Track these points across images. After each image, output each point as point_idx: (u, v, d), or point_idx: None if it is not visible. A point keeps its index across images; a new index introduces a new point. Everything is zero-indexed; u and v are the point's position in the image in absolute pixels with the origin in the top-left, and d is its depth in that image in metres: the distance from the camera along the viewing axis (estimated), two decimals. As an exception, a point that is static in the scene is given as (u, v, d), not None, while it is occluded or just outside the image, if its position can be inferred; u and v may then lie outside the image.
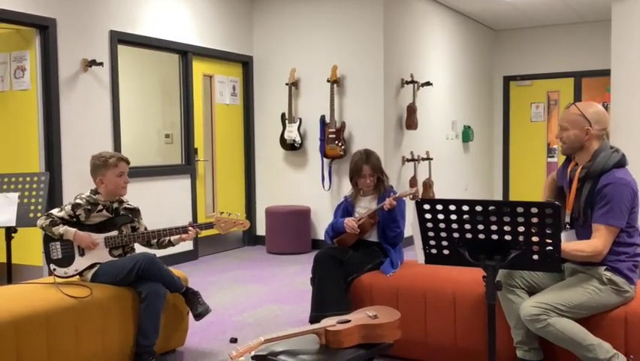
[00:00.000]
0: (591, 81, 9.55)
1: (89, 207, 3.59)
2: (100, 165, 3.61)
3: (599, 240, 2.89)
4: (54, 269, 3.55)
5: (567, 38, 9.56)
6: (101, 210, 3.63)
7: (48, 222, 3.50)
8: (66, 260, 3.55)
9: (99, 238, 3.58)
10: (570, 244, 2.91)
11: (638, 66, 5.99)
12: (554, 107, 9.93)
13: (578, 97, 9.53)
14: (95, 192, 3.65)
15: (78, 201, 3.60)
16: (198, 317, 3.68)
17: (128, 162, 3.68)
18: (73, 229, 3.52)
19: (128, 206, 3.76)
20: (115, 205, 3.69)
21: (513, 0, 8.11)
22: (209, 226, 3.72)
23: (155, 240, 3.77)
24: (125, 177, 3.66)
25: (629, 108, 6.03)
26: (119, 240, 3.62)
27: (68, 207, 3.57)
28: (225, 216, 3.74)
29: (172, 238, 3.78)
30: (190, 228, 3.68)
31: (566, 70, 9.58)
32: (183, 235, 3.70)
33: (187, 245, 6.69)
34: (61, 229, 3.50)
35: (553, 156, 9.91)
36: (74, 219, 3.56)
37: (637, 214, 2.97)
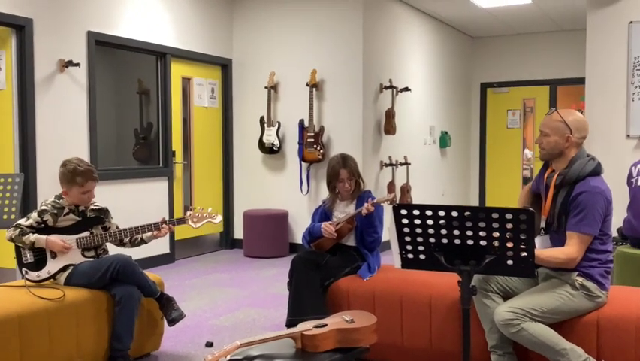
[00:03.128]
0: (566, 89, 9.69)
1: (55, 211, 3.55)
2: (67, 179, 3.55)
3: (572, 247, 2.93)
4: (26, 272, 3.51)
5: (543, 46, 9.69)
6: (67, 214, 3.58)
7: (17, 232, 3.46)
8: (38, 264, 3.51)
9: (71, 240, 3.55)
10: (544, 250, 2.95)
11: (612, 75, 6.10)
12: (530, 115, 10.06)
13: (553, 104, 9.66)
14: (59, 196, 3.61)
15: (43, 207, 3.56)
16: (172, 322, 3.65)
17: (96, 179, 3.60)
18: (44, 236, 3.47)
19: (95, 207, 3.71)
20: (81, 208, 3.64)
21: (491, 7, 8.20)
22: (182, 221, 3.70)
23: (128, 238, 3.73)
24: (91, 194, 3.61)
25: (602, 117, 6.13)
26: (90, 240, 3.58)
27: (34, 215, 3.53)
28: (197, 211, 3.73)
29: (144, 236, 3.74)
30: (163, 225, 3.65)
31: (541, 78, 9.71)
32: (156, 232, 3.67)
33: (163, 248, 6.65)
34: (32, 237, 3.46)
35: (527, 169, 10.03)
36: (42, 225, 3.52)
37: (610, 222, 3.02)
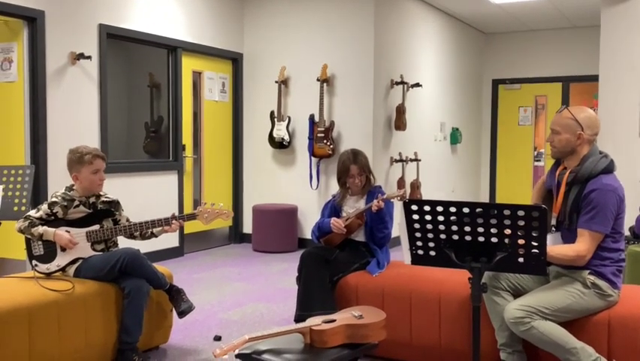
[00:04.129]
0: (579, 86, 9.62)
1: (65, 203, 3.55)
2: (75, 161, 3.57)
3: (582, 244, 2.90)
4: (35, 265, 3.52)
5: (556, 43, 9.62)
6: (78, 206, 3.59)
7: (27, 223, 3.47)
8: (48, 256, 3.52)
9: (80, 233, 3.55)
10: (554, 247, 2.92)
11: (626, 72, 6.04)
12: (542, 112, 9.99)
13: (565, 102, 9.58)
14: (70, 188, 3.62)
15: (54, 199, 3.57)
16: (182, 314, 3.66)
17: (104, 159, 3.64)
18: (53, 229, 3.48)
19: (106, 199, 3.71)
20: (92, 200, 3.65)
21: (503, 3, 8.15)
22: (192, 217, 3.68)
23: (138, 232, 3.73)
24: (101, 175, 3.62)
25: (616, 114, 6.08)
26: (100, 234, 3.59)
27: (45, 207, 3.54)
28: (208, 206, 3.70)
29: (154, 230, 3.73)
30: (173, 221, 3.65)
31: (554, 75, 9.64)
32: (166, 228, 3.66)
33: (173, 241, 6.67)
34: (41, 229, 3.46)
35: (539, 160, 9.97)
36: (52, 218, 3.52)
37: (623, 220, 2.99)
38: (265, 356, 2.71)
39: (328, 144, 7.03)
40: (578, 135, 3.00)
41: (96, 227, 3.60)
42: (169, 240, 6.51)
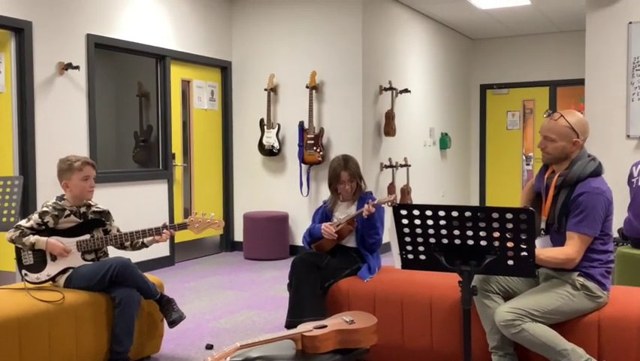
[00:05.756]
0: (566, 90, 9.69)
1: (56, 213, 3.55)
2: (65, 169, 3.58)
3: (572, 248, 2.93)
4: (25, 275, 3.50)
5: (543, 48, 9.70)
6: (69, 216, 3.58)
7: (17, 233, 3.45)
8: (38, 266, 3.50)
9: (71, 243, 3.54)
10: (544, 250, 2.94)
11: (612, 76, 6.10)
12: (530, 116, 10.06)
13: (552, 106, 9.66)
14: (61, 198, 3.61)
15: (45, 209, 3.56)
16: (172, 324, 3.64)
17: (94, 167, 3.65)
18: (44, 238, 3.47)
19: (96, 209, 3.71)
20: (83, 210, 3.64)
21: (489, 9, 8.21)
22: (183, 226, 3.68)
23: (129, 242, 3.73)
24: (91, 182, 3.62)
25: (602, 117, 6.13)
26: (91, 243, 3.58)
27: (35, 216, 3.53)
28: (199, 216, 3.71)
29: (145, 240, 3.73)
30: (164, 230, 3.64)
31: (541, 79, 9.71)
32: (157, 237, 3.66)
33: (163, 250, 6.65)
34: (32, 238, 3.45)
35: (528, 164, 10.03)
36: (43, 227, 3.51)
37: (611, 222, 3.02)
38: (257, 363, 2.71)
39: (318, 150, 7.04)
40: (574, 142, 3.02)
41: (87, 237, 3.59)
42: (160, 249, 6.49)
